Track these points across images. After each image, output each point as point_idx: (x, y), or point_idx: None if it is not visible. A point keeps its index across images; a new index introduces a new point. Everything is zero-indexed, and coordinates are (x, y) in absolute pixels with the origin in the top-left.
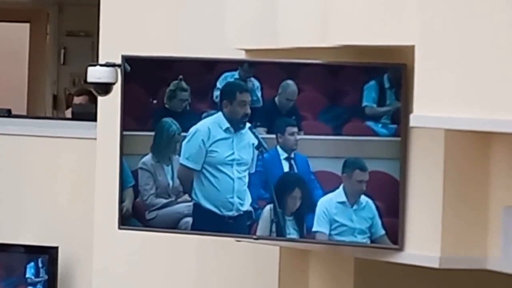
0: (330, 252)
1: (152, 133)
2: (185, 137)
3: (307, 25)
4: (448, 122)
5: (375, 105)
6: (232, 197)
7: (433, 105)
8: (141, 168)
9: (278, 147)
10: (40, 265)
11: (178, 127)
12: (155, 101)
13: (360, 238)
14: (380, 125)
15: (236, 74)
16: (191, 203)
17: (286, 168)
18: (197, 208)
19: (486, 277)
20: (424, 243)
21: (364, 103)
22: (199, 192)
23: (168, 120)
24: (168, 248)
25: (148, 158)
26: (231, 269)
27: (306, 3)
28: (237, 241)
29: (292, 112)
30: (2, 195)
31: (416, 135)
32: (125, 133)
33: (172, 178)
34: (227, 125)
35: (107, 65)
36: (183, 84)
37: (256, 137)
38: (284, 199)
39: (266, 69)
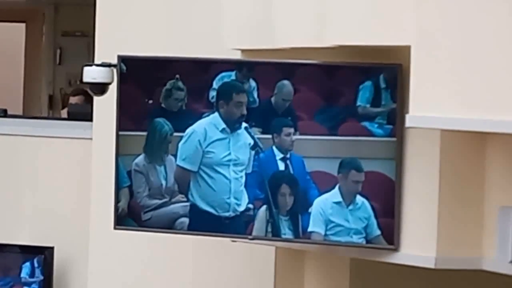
0: (325, 252)
1: None
2: (181, 138)
3: (303, 25)
4: (444, 123)
5: (370, 105)
6: (229, 198)
7: (429, 106)
8: (134, 170)
9: (274, 147)
10: (35, 265)
11: (171, 128)
12: (151, 101)
13: (355, 238)
14: (376, 126)
15: (232, 75)
16: (186, 203)
17: (281, 168)
18: (194, 209)
19: (482, 277)
20: (419, 243)
21: (360, 104)
22: (195, 193)
23: (161, 120)
24: (164, 248)
25: (140, 158)
26: (227, 269)
27: (302, 3)
28: (233, 241)
29: (288, 113)
30: None
31: (412, 136)
32: (121, 133)
33: (165, 178)
34: (224, 125)
35: (103, 65)
36: (180, 83)
37: (252, 137)
38: (277, 198)
39: (262, 70)
